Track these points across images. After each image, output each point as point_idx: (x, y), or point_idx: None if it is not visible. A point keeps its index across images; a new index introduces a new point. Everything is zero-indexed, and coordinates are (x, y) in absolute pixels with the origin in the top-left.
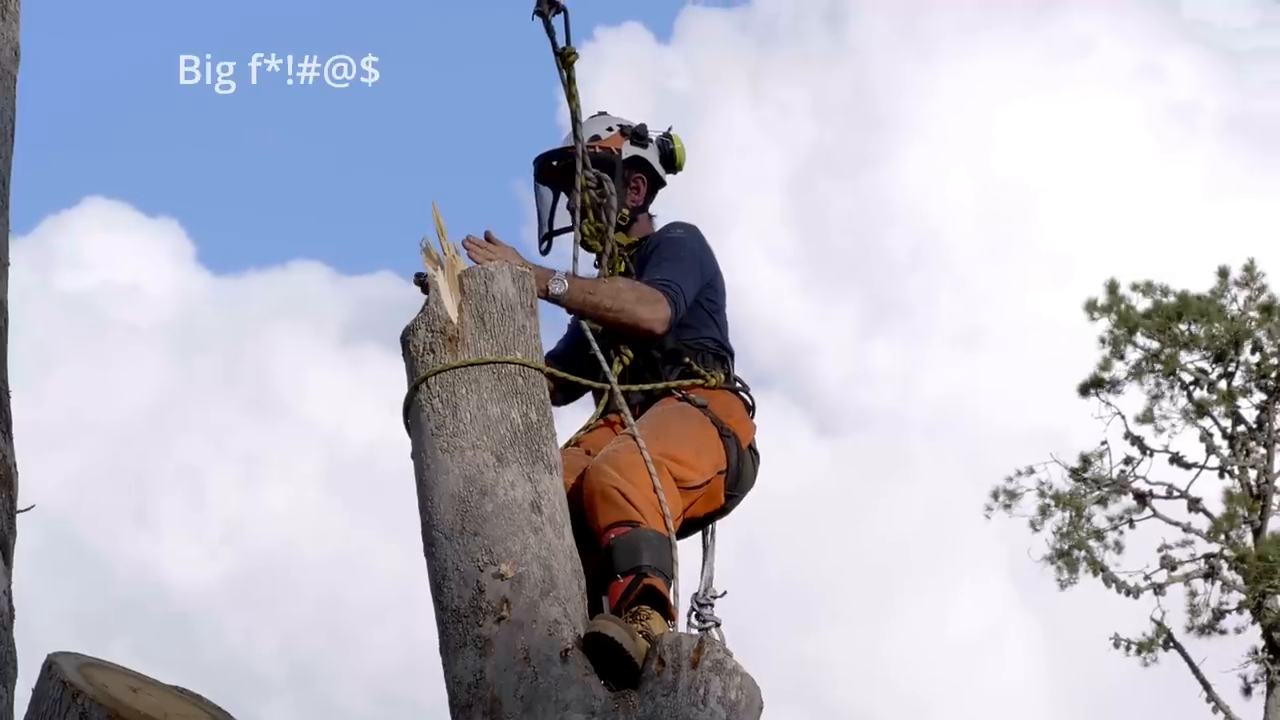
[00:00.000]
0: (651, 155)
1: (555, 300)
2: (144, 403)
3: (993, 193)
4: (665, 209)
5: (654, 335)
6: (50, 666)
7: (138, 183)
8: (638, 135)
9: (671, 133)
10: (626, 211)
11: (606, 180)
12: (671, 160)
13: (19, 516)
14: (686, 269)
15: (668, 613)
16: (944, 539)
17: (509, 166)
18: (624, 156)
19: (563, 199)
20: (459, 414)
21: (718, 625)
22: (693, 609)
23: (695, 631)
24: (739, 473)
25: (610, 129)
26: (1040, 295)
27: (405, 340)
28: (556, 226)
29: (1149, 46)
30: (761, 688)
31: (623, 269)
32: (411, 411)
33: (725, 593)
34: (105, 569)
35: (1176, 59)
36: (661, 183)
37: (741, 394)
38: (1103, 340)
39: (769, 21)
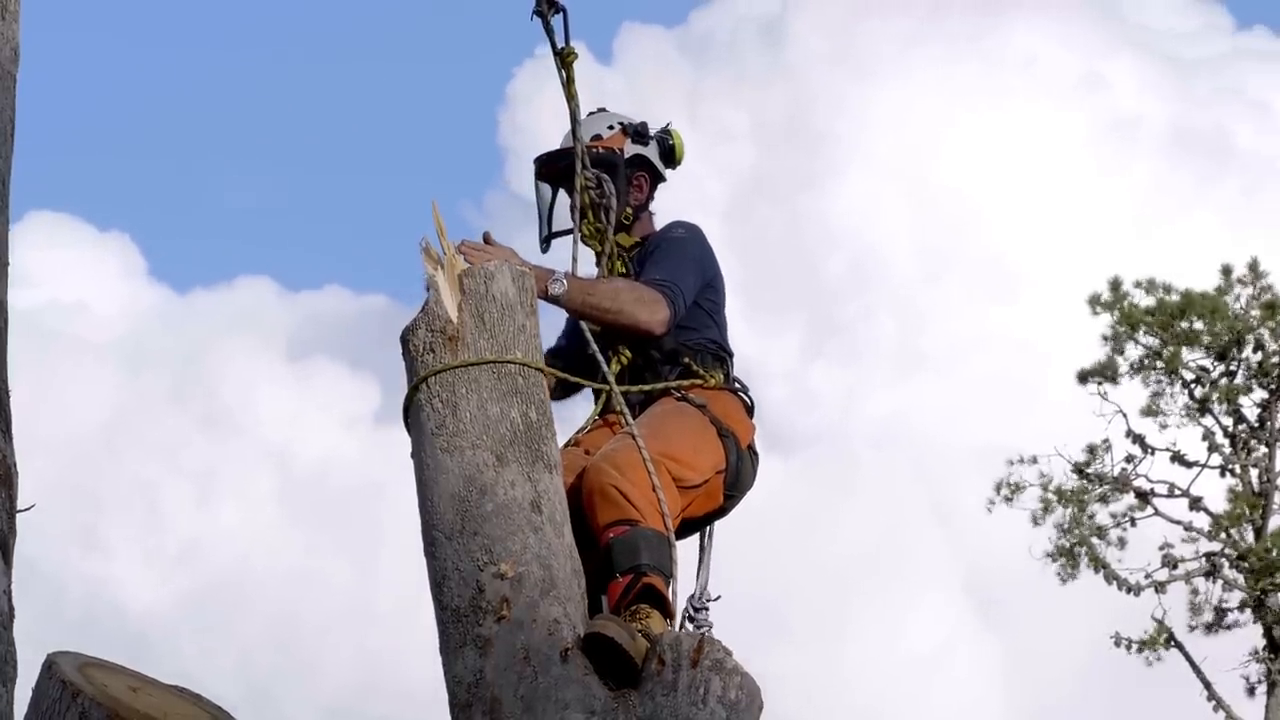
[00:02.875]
0: (652, 152)
1: (554, 301)
2: (96, 420)
3: (934, 210)
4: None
5: (652, 336)
6: (50, 666)
7: (87, 196)
8: (639, 133)
9: (670, 128)
10: (630, 210)
11: (606, 181)
12: (671, 155)
13: (19, 516)
14: (686, 269)
15: (667, 611)
16: (897, 554)
17: (455, 185)
18: (626, 155)
19: (563, 198)
20: (459, 413)
21: (710, 629)
22: (687, 613)
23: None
24: (738, 472)
25: (611, 127)
26: (986, 312)
27: (405, 340)
28: (557, 227)
29: (1092, 56)
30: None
31: (623, 269)
32: (411, 411)
33: (720, 597)
34: (58, 588)
35: (1120, 68)
36: (662, 178)
37: (741, 394)
38: (1105, 337)
39: (705, 39)
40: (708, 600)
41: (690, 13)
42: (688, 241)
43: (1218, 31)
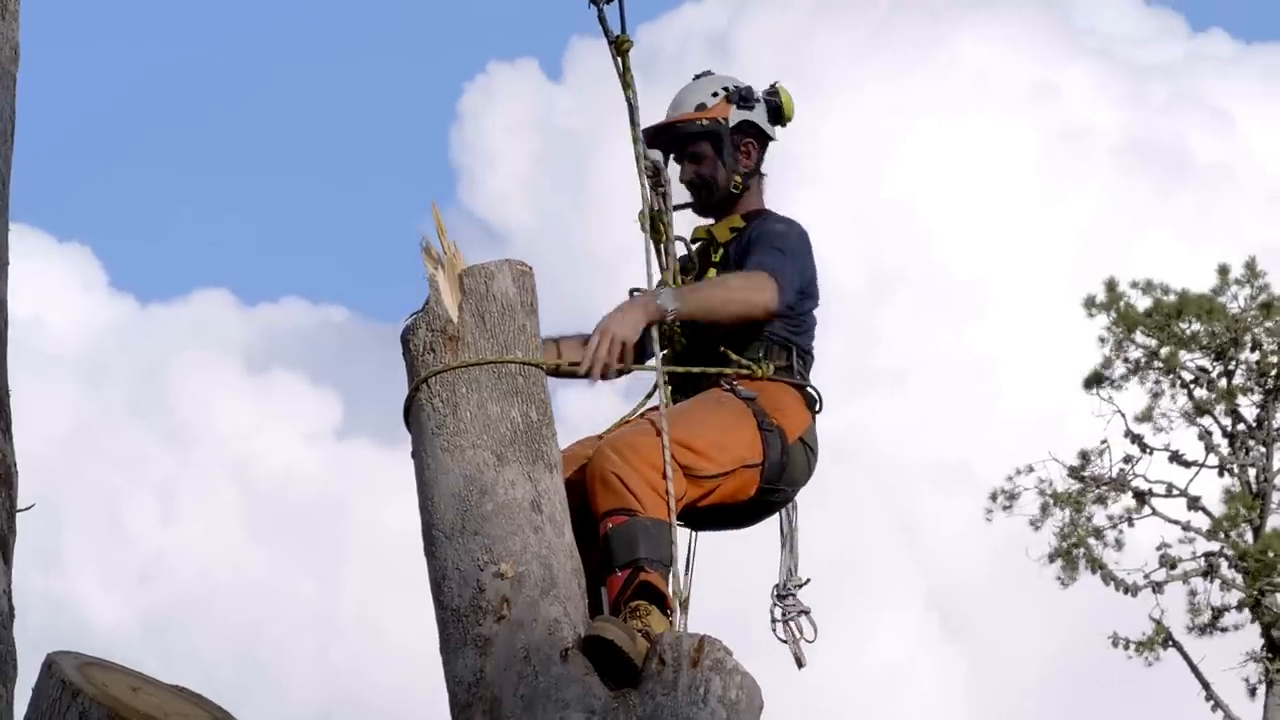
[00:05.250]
0: (759, 116)
1: (674, 316)
2: (55, 434)
3: (885, 224)
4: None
5: (770, 315)
6: (50, 665)
7: (45, 205)
8: (744, 97)
9: (778, 86)
10: (740, 179)
11: (663, 168)
12: (779, 114)
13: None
14: (789, 262)
15: (666, 606)
16: (859, 567)
17: (409, 201)
18: (731, 123)
19: (673, 168)
20: (459, 413)
21: (804, 613)
22: (774, 600)
23: (779, 622)
24: (781, 466)
25: (715, 94)
26: (939, 327)
27: (405, 339)
28: (674, 201)
29: (1044, 65)
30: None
31: (719, 259)
32: (412, 411)
33: (809, 580)
34: (20, 606)
35: (1073, 76)
36: (771, 138)
37: (805, 389)
38: (1102, 339)
39: (652, 54)
40: (794, 585)
41: (638, 27)
42: (789, 236)
43: (1172, 36)
